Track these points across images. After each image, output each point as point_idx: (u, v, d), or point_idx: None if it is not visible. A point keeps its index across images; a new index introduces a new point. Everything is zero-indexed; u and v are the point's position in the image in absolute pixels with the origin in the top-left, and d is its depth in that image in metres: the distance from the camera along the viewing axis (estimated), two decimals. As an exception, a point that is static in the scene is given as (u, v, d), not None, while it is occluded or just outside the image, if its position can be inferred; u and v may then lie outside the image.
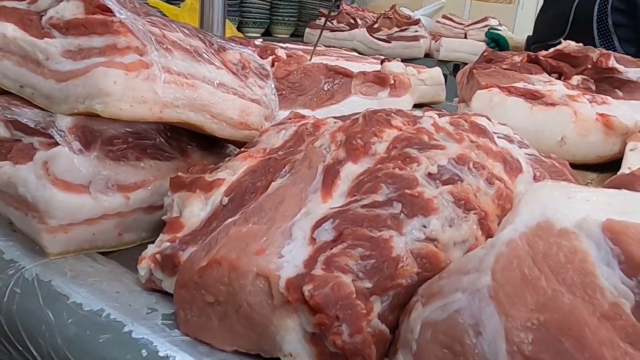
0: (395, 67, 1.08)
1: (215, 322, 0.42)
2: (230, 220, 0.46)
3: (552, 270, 0.37)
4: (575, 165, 1.00)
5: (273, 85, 0.70)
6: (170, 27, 0.59)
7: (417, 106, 1.40)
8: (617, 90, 1.09)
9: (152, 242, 0.52)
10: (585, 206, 0.43)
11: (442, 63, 2.48)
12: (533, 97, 1.02)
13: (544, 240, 0.40)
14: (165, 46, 0.56)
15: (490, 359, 0.33)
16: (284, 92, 0.98)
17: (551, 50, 1.20)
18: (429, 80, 1.40)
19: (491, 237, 0.48)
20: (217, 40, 0.65)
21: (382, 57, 1.36)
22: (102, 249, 0.55)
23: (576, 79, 1.12)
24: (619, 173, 0.78)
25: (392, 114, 0.59)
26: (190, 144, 0.63)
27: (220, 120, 0.60)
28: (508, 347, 0.33)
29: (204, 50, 0.61)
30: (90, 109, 0.51)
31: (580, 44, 1.19)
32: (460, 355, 0.35)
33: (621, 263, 0.36)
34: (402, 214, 0.44)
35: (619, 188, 0.55)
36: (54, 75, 0.53)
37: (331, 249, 0.40)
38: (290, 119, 0.63)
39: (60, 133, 0.52)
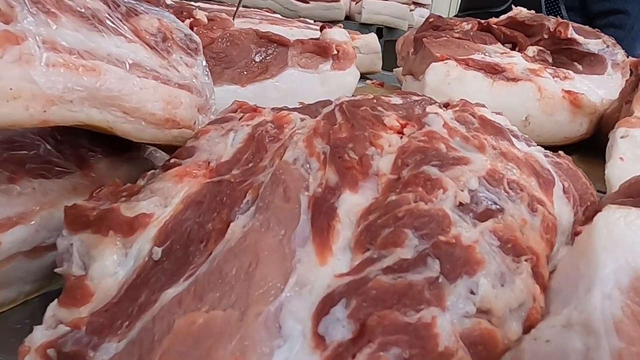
0: (337, 34, 0.91)
1: None
2: (171, 292, 0.29)
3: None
4: (539, 148, 0.91)
5: (205, 63, 0.52)
6: (53, -22, 0.39)
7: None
8: (575, 63, 1.00)
9: (40, 297, 0.37)
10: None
11: (364, 26, 2.33)
12: (493, 70, 0.90)
13: (653, 314, 0.27)
14: (46, 8, 0.36)
15: None
16: (207, 65, 0.78)
17: (503, 17, 1.09)
18: (365, 48, 1.25)
19: (544, 288, 0.35)
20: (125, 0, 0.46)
21: (315, 22, 1.19)
22: (-39, 322, 0.36)
23: (532, 50, 1.02)
24: (607, 163, 0.67)
25: (378, 107, 0.43)
26: (92, 149, 0.44)
27: (137, 117, 0.41)
28: None
29: (107, 15, 0.41)
30: None
31: (533, 11, 1.09)
32: None
33: None
34: (441, 277, 0.29)
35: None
36: None
37: (353, 356, 0.25)
38: (235, 111, 0.46)
39: None
